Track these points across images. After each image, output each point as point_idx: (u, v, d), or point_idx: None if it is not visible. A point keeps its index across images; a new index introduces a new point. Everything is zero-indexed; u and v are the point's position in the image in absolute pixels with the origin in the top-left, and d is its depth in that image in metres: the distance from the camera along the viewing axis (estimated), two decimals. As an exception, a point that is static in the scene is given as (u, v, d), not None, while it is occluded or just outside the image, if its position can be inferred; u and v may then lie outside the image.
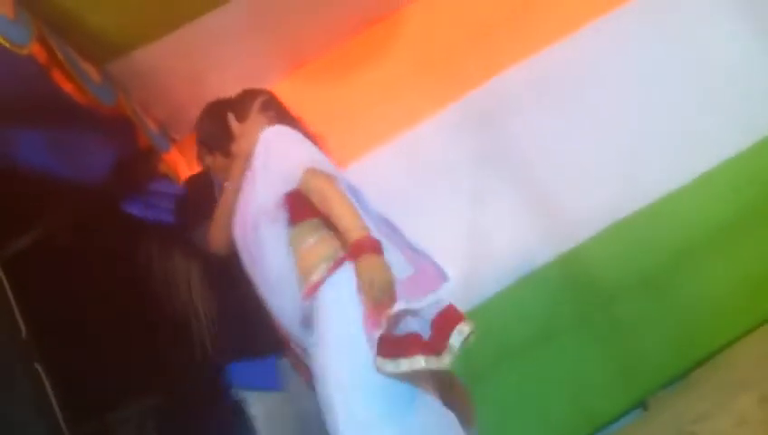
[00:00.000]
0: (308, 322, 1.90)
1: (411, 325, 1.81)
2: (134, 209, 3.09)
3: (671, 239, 3.19)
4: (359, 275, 1.79)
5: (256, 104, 2.20)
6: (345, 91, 3.50)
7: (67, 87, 2.27)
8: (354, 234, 1.83)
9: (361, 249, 1.80)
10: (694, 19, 3.36)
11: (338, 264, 1.88)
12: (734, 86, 3.29)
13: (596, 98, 3.28)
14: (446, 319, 1.81)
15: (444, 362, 1.76)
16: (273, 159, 2.00)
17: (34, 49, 2.06)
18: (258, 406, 2.14)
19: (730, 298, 3.15)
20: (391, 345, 1.73)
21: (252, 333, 2.19)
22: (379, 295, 1.75)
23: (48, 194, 2.79)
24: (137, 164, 3.04)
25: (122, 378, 2.87)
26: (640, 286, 3.19)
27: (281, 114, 2.24)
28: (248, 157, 2.07)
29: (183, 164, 3.14)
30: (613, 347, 3.17)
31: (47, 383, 2.41)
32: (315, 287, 1.87)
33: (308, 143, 2.08)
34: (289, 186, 1.94)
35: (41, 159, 2.72)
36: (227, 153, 2.19)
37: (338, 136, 3.43)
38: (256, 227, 1.98)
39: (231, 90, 3.01)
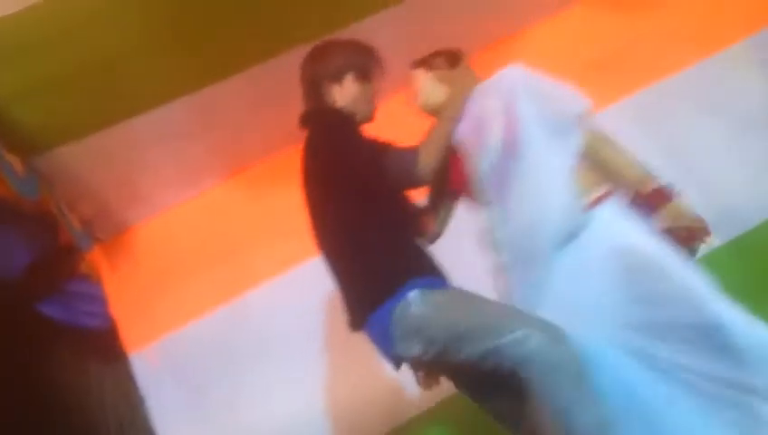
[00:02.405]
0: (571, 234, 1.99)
1: None
2: (49, 310, 2.93)
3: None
4: (668, 218, 2.01)
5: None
6: (285, 200, 3.45)
7: (-14, 178, 2.18)
8: (649, 183, 2.06)
9: (664, 198, 2.04)
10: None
11: (610, 193, 2.04)
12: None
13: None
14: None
15: None
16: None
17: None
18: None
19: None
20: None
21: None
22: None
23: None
24: (56, 262, 2.91)
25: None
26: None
27: None
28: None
29: (105, 264, 3.02)
30: None
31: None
32: (600, 200, 2.02)
33: None
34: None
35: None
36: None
37: (275, 244, 3.42)
38: (526, 144, 2.02)
39: (161, 192, 2.96)
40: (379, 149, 2.14)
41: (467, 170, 2.14)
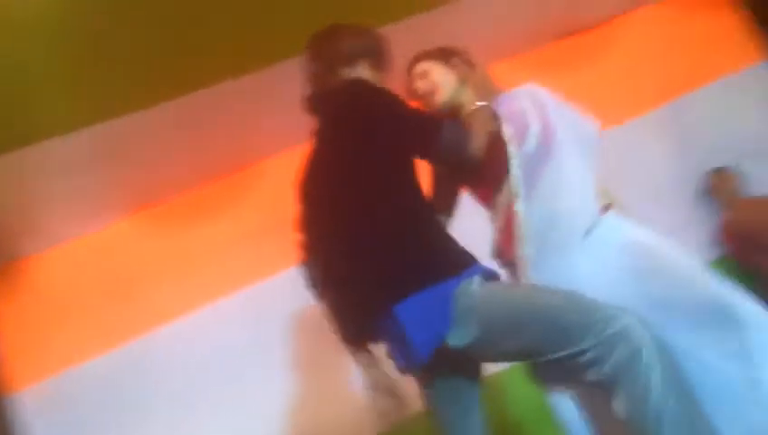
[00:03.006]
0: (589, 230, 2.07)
1: None
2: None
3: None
4: None
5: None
6: (190, 240, 3.40)
7: None
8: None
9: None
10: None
11: (609, 206, 2.14)
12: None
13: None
14: None
15: None
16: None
17: None
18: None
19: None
20: None
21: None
22: None
23: None
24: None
25: None
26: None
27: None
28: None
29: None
30: None
31: None
32: (604, 209, 2.11)
33: None
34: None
35: None
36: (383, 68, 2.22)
37: (175, 285, 3.32)
38: (557, 144, 2.11)
39: (59, 224, 2.83)
40: (434, 117, 2.02)
41: (502, 160, 2.09)
